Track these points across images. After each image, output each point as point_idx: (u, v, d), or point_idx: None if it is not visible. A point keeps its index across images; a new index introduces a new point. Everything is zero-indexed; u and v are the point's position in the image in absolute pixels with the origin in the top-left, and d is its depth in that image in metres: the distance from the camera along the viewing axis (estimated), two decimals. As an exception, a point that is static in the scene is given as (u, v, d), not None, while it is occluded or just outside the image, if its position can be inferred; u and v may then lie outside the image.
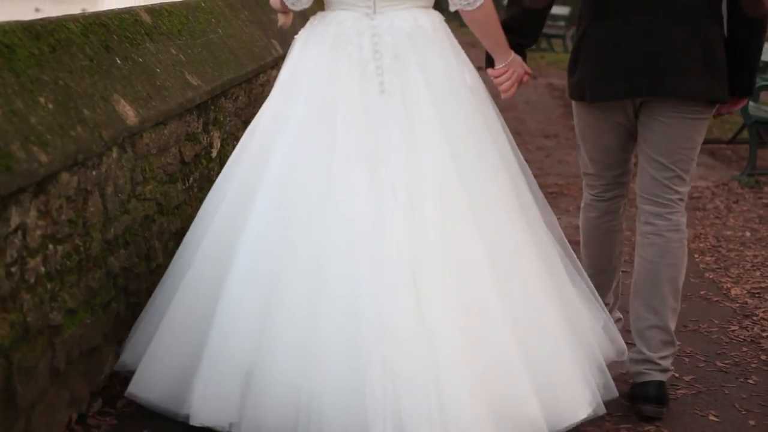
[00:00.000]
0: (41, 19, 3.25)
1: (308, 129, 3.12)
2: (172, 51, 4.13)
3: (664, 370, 3.48)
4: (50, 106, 2.90)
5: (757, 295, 4.82)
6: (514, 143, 3.38)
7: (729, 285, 4.97)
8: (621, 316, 4.03)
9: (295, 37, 3.42)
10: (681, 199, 3.61)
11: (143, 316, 3.33)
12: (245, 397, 2.94)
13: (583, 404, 3.11)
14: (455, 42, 3.31)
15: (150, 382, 3.11)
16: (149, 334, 3.20)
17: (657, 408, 3.41)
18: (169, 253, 3.83)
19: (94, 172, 3.09)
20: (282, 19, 3.61)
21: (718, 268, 5.27)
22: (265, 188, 3.10)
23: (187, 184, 4.04)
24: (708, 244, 5.78)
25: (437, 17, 3.30)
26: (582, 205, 3.87)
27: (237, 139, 4.80)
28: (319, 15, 3.36)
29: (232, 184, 3.25)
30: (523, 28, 3.53)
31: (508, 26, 3.43)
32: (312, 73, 3.20)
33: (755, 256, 5.51)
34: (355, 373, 2.88)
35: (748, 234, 6.00)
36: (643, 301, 3.53)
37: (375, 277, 2.95)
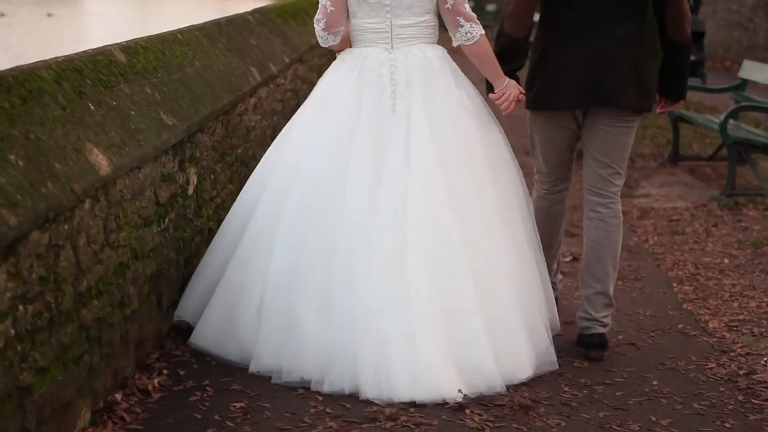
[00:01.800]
0: (13, 69, 3.22)
1: (336, 140, 4.02)
2: (147, 90, 4.11)
3: (605, 326, 4.46)
4: (20, 163, 2.87)
5: (734, 329, 4.82)
6: (511, 150, 4.25)
7: (707, 317, 4.98)
8: (562, 277, 5.10)
9: (331, 66, 4.30)
10: (618, 191, 4.49)
11: (193, 281, 4.25)
12: (287, 348, 3.86)
13: (528, 364, 4.02)
14: (457, 70, 4.18)
15: (209, 334, 4.05)
16: (201, 296, 4.16)
17: (600, 352, 4.40)
18: (145, 297, 3.81)
19: (65, 226, 3.06)
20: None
21: (696, 299, 5.28)
22: (299, 185, 4.00)
23: (162, 226, 4.01)
24: (686, 271, 5.78)
25: (441, 51, 4.18)
26: (534, 197, 4.63)
27: (215, 173, 4.80)
28: (348, 51, 4.23)
29: (270, 182, 4.14)
30: (510, 55, 4.35)
31: (499, 56, 4.28)
32: (343, 96, 4.09)
33: (733, 285, 5.52)
34: (352, 331, 3.78)
35: (726, 261, 6.01)
36: (590, 273, 4.46)
37: (369, 259, 3.85)
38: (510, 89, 4.21)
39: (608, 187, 4.43)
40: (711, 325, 4.87)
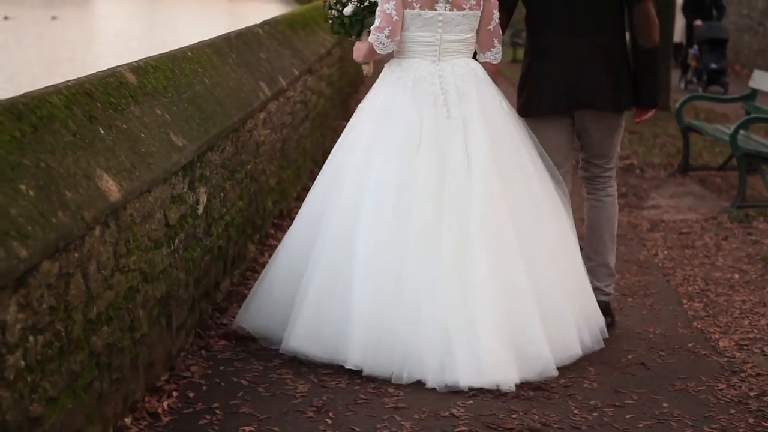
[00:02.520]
0: (24, 96, 3.23)
1: (403, 148, 4.35)
2: (157, 111, 4.11)
3: (608, 294, 4.97)
4: (31, 193, 2.88)
5: (745, 348, 4.81)
6: (539, 147, 4.64)
7: (717, 335, 4.96)
8: None
9: (381, 76, 4.60)
10: (611, 175, 5.06)
11: (261, 287, 4.55)
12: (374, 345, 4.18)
13: (577, 348, 4.44)
14: (491, 80, 4.61)
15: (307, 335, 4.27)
16: (267, 298, 4.46)
17: (606, 318, 4.81)
18: (155, 320, 3.81)
19: (76, 254, 3.06)
20: (366, 69, 4.75)
21: (706, 316, 5.26)
22: (373, 192, 4.31)
23: (172, 247, 4.01)
24: (696, 287, 5.77)
25: (479, 64, 4.62)
26: None
27: (224, 191, 4.81)
28: (395, 62, 4.57)
29: (341, 192, 4.40)
30: None
31: None
32: (403, 107, 4.42)
33: (743, 302, 5.50)
34: (417, 322, 4.14)
35: (737, 276, 5.99)
36: (591, 247, 4.97)
37: (437, 257, 4.22)
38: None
39: (602, 175, 5.05)
40: (721, 343, 4.86)
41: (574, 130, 4.97)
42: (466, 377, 4.08)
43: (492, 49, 4.60)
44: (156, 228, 3.82)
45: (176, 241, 4.06)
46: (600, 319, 4.68)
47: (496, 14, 4.55)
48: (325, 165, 4.63)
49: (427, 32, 4.47)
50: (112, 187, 3.33)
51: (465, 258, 4.24)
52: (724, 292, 5.68)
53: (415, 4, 4.44)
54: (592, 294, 4.69)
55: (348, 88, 12.13)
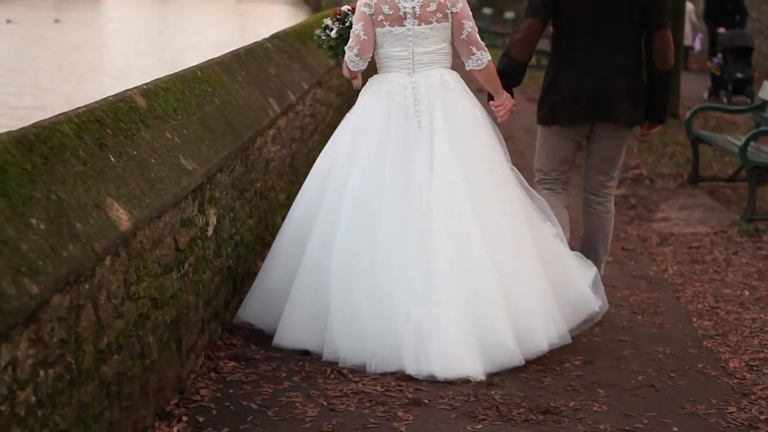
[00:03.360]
0: (35, 126, 3.24)
1: (372, 156, 4.68)
2: (167, 135, 4.12)
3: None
4: (42, 226, 2.89)
5: (755, 369, 4.79)
6: (508, 155, 4.93)
7: (727, 356, 4.95)
8: None
9: (362, 90, 5.02)
10: (612, 191, 5.50)
11: (259, 279, 4.92)
12: (347, 337, 4.52)
13: (545, 340, 4.67)
14: (468, 90, 4.90)
15: (293, 327, 4.66)
16: (265, 295, 4.80)
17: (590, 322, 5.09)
18: (164, 345, 3.82)
19: (86, 286, 3.07)
20: (355, 83, 5.22)
21: (716, 335, 5.25)
22: (348, 199, 4.66)
23: (182, 271, 4.02)
24: (706, 305, 5.75)
25: (455, 75, 4.90)
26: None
27: (234, 210, 4.81)
28: (376, 76, 4.94)
29: (324, 196, 4.77)
30: (512, 74, 5.23)
31: (502, 73, 5.13)
32: (375, 119, 4.77)
33: (753, 320, 5.49)
34: (391, 319, 4.47)
35: (747, 293, 5.98)
36: (585, 256, 5.24)
37: (404, 258, 4.54)
38: (507, 101, 5.11)
39: (604, 189, 5.46)
40: (731, 364, 4.84)
41: (582, 141, 5.44)
42: (439, 370, 4.40)
43: (472, 56, 4.87)
44: (166, 253, 3.83)
45: (186, 264, 4.07)
46: (586, 311, 4.94)
47: (467, 23, 4.82)
48: (311, 170, 5.02)
49: (399, 47, 4.82)
50: (122, 216, 3.33)
51: (430, 258, 4.56)
52: (734, 310, 5.67)
53: (384, 23, 4.79)
54: (574, 288, 4.92)
55: (357, 95, 12.12)
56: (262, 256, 5.67)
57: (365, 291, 4.54)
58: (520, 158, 10.31)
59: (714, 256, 6.80)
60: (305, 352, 4.68)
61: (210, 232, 4.44)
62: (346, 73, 4.99)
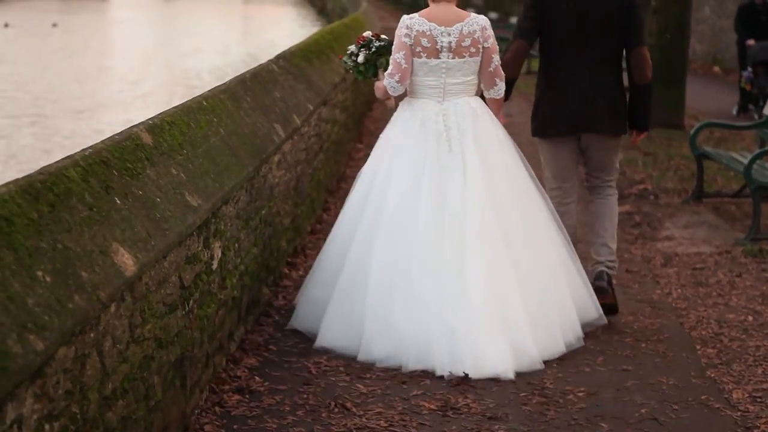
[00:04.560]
0: (41, 173, 3.25)
1: (410, 176, 5.14)
2: (173, 171, 4.13)
3: (609, 267, 5.83)
4: (48, 278, 2.90)
5: (758, 400, 4.80)
6: (532, 172, 5.42)
7: (731, 386, 4.95)
8: None
9: (395, 113, 5.43)
10: (612, 185, 5.99)
11: (305, 290, 5.43)
12: (385, 340, 4.96)
13: (562, 343, 5.19)
14: (491, 114, 5.39)
15: (333, 332, 5.11)
16: (315, 302, 5.24)
17: (602, 283, 5.74)
18: (169, 384, 3.83)
19: (91, 335, 3.09)
20: (389, 103, 5.76)
21: (720, 364, 5.25)
22: (387, 214, 5.11)
23: (187, 308, 4.04)
24: (710, 331, 5.76)
25: (480, 101, 5.40)
26: None
27: (239, 241, 4.83)
28: (407, 100, 5.38)
29: (364, 212, 5.22)
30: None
31: None
32: (410, 141, 5.22)
33: (757, 348, 5.49)
34: (425, 323, 4.91)
35: (750, 318, 5.99)
36: (594, 232, 5.91)
37: (440, 270, 5.00)
38: (501, 120, 5.56)
39: (602, 185, 5.99)
40: (735, 395, 4.85)
41: (579, 150, 5.92)
42: (472, 369, 4.79)
43: (495, 87, 5.39)
44: (171, 292, 3.84)
45: (191, 301, 4.09)
46: (586, 318, 5.45)
47: (495, 57, 5.32)
48: (353, 188, 5.44)
49: (433, 77, 5.26)
50: (127, 261, 3.35)
51: (464, 269, 5.00)
52: (738, 337, 5.67)
53: (422, 54, 5.23)
54: (580, 292, 5.44)
55: (362, 107, 12.15)
56: (267, 282, 5.70)
57: (403, 299, 4.96)
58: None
59: (718, 278, 6.81)
60: (308, 383, 4.70)
61: (215, 265, 4.45)
62: (380, 95, 5.41)
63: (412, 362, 4.85)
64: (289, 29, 36.83)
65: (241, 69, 26.34)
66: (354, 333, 5.01)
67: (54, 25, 33.99)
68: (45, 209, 3.10)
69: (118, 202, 3.55)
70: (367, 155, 5.61)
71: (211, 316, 4.40)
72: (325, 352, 5.09)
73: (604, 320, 5.56)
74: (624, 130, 5.92)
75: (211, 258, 4.40)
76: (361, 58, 5.49)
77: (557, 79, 5.80)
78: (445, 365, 4.81)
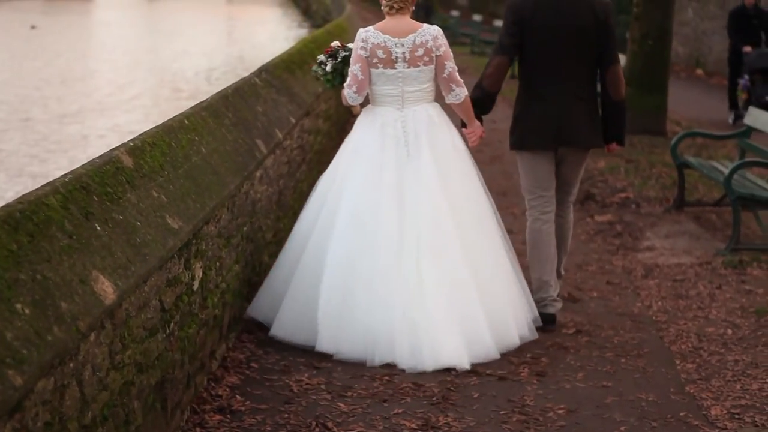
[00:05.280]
0: (21, 201, 3.26)
1: (368, 178, 5.42)
2: (153, 193, 4.14)
3: (555, 306, 6.02)
4: (27, 311, 2.91)
5: (736, 417, 4.84)
6: (482, 178, 5.74)
7: (709, 402, 4.99)
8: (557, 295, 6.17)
9: (358, 119, 5.71)
10: (572, 201, 6.31)
11: (266, 282, 5.68)
12: (344, 333, 5.26)
13: (515, 337, 5.52)
14: (448, 121, 5.67)
15: (288, 321, 5.43)
16: (273, 293, 5.54)
17: (552, 326, 5.97)
18: (150, 407, 3.84)
19: (71, 365, 3.10)
20: (354, 110, 5.86)
21: (699, 379, 5.29)
22: (344, 210, 5.40)
23: (168, 331, 4.05)
24: (689, 345, 5.80)
25: (438, 107, 5.66)
26: (529, 223, 6.10)
27: (220, 259, 4.84)
28: (369, 108, 5.64)
29: (322, 209, 5.52)
30: (483, 104, 5.98)
31: (475, 103, 5.86)
32: (370, 145, 5.50)
33: (736, 362, 5.54)
34: (391, 319, 5.20)
35: (730, 332, 6.03)
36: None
37: (399, 265, 5.30)
38: (478, 129, 5.87)
39: (566, 200, 6.25)
40: (713, 411, 4.88)
41: (555, 162, 6.12)
42: (430, 362, 5.12)
43: (452, 92, 5.61)
44: (151, 316, 3.85)
45: (171, 324, 4.10)
46: (529, 314, 5.73)
47: (449, 64, 5.56)
48: (313, 189, 5.73)
49: (391, 86, 5.55)
50: (107, 289, 3.36)
51: (422, 265, 5.31)
52: (717, 351, 5.72)
53: (378, 65, 5.51)
54: (523, 294, 5.73)
55: (345, 114, 12.15)
56: (249, 298, 5.71)
57: (364, 295, 5.23)
58: (508, 180, 10.38)
59: (698, 290, 6.85)
60: (289, 402, 4.72)
61: (196, 286, 4.47)
62: (345, 102, 5.66)
63: (377, 357, 5.16)
64: (275, 31, 36.81)
65: (227, 71, 26.16)
66: (308, 326, 5.29)
67: (33, 27, 33.71)
68: (24, 239, 3.11)
69: (99, 228, 3.56)
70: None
71: (192, 337, 4.41)
72: (308, 369, 5.12)
73: (536, 335, 5.75)
74: (600, 143, 6.13)
75: (192, 279, 4.41)
76: (328, 67, 5.81)
77: (536, 94, 5.99)
78: (405, 358, 5.13)
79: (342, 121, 11.58)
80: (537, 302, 5.89)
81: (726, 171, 8.11)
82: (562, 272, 6.35)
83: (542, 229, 6.02)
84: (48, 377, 2.93)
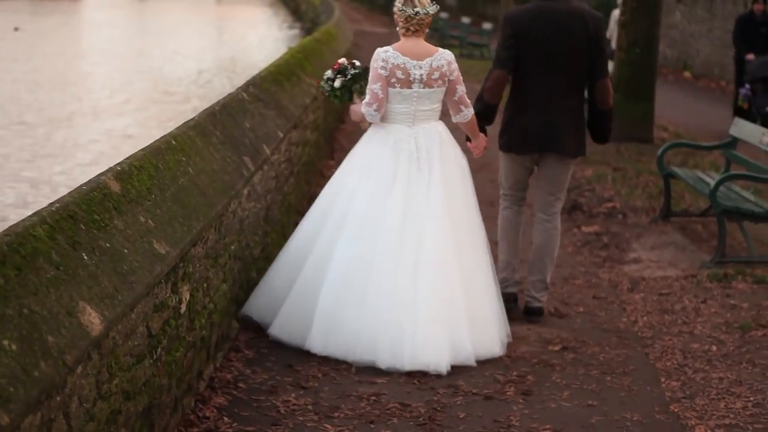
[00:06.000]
0: (8, 233, 3.27)
1: (380, 188, 5.74)
2: (141, 219, 4.16)
3: (540, 302, 6.51)
4: (14, 347, 2.92)
5: (720, 437, 4.88)
6: (474, 193, 6.05)
7: (694, 421, 5.03)
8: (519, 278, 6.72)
9: (366, 134, 6.00)
10: (559, 210, 6.59)
11: (263, 283, 5.95)
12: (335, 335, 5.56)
13: (496, 348, 5.79)
14: (453, 139, 5.99)
15: (288, 323, 5.70)
16: (271, 294, 5.82)
17: (537, 317, 6.46)
18: (136, 434, 3.86)
19: (58, 399, 3.11)
20: (363, 125, 6.07)
21: (683, 398, 5.33)
22: (352, 220, 5.70)
23: (155, 356, 4.06)
24: (674, 362, 5.84)
25: (443, 126, 5.99)
26: (500, 210, 6.67)
27: (207, 280, 4.85)
28: (380, 124, 5.90)
29: (328, 217, 5.80)
30: (485, 116, 6.37)
31: (477, 115, 6.13)
32: (384, 159, 5.79)
33: (720, 380, 5.57)
34: (375, 322, 5.50)
35: (714, 348, 6.07)
36: (535, 266, 6.53)
37: (395, 272, 5.59)
38: (482, 141, 6.25)
39: (551, 208, 6.55)
40: (697, 431, 4.93)
41: (533, 168, 6.55)
42: (408, 361, 5.41)
43: (461, 113, 6.00)
44: (138, 343, 3.87)
45: (159, 349, 4.11)
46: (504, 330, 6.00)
47: (460, 87, 5.92)
48: (319, 196, 6.02)
49: (405, 105, 5.85)
50: (94, 321, 3.37)
51: (417, 275, 5.59)
52: (702, 368, 5.76)
53: (396, 85, 5.81)
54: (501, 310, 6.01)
55: (334, 123, 12.18)
56: (236, 315, 5.73)
57: (357, 305, 5.51)
58: (496, 190, 10.36)
59: (683, 304, 6.90)
60: (276, 423, 4.74)
61: (183, 309, 4.48)
62: (356, 118, 6.03)
63: (359, 357, 5.46)
64: (266, 32, 36.77)
65: (218, 74, 26.02)
66: (305, 327, 5.58)
67: (16, 29, 33.47)
68: (11, 273, 3.12)
69: (86, 257, 3.57)
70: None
71: (180, 360, 4.42)
72: (295, 389, 5.14)
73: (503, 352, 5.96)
74: (583, 151, 6.51)
75: (180, 302, 4.43)
76: (337, 84, 6.06)
77: (526, 102, 6.37)
78: (386, 359, 5.42)
79: (330, 129, 11.60)
80: (501, 282, 6.31)
81: (712, 183, 8.16)
82: (548, 285, 6.57)
83: (511, 217, 6.60)
84: (35, 413, 2.94)
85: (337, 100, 6.18)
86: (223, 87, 22.71)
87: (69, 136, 16.64)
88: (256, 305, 5.84)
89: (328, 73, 6.14)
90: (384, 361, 5.40)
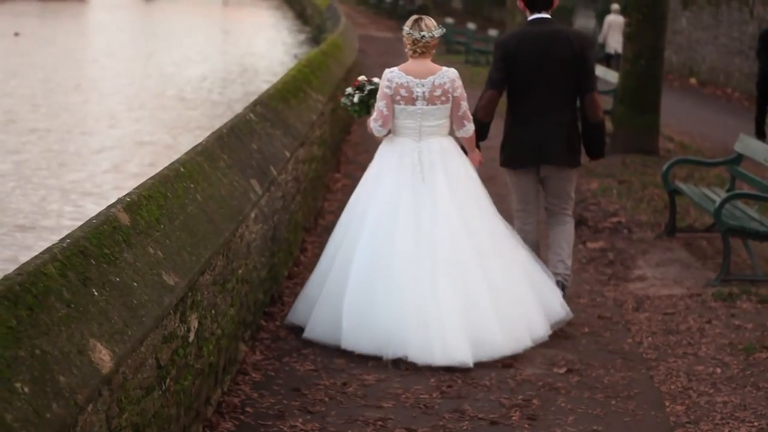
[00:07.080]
0: (20, 273, 3.31)
1: (389, 197, 6.22)
2: (150, 250, 4.20)
3: (566, 279, 6.94)
4: (26, 389, 2.96)
5: (724, 463, 4.91)
6: (490, 199, 6.54)
7: (697, 448, 5.06)
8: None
9: (380, 147, 6.52)
10: (570, 211, 7.09)
11: (303, 290, 6.55)
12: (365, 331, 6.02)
13: (528, 339, 6.23)
14: (460, 151, 6.50)
15: (320, 325, 6.18)
16: (307, 300, 6.34)
17: (562, 291, 6.79)
18: (145, 466, 3.89)
19: (69, 438, 3.15)
20: (378, 138, 6.49)
21: (687, 423, 5.36)
22: (368, 226, 6.21)
23: (164, 387, 4.10)
24: (679, 385, 5.86)
25: (451, 140, 6.47)
26: (515, 227, 6.92)
27: (215, 306, 4.89)
28: (390, 137, 6.44)
29: (351, 224, 6.34)
30: (479, 133, 6.76)
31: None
32: (390, 170, 6.32)
33: (725, 404, 5.60)
34: (403, 319, 5.95)
35: (719, 370, 6.10)
36: (553, 250, 6.98)
37: (414, 274, 6.07)
38: (477, 156, 6.72)
39: (563, 213, 7.06)
40: (701, 458, 4.96)
41: (539, 179, 6.98)
42: (440, 358, 5.83)
43: (463, 128, 6.48)
44: (147, 375, 3.91)
45: (168, 380, 4.15)
46: (553, 315, 6.49)
47: (464, 104, 6.38)
48: (345, 208, 6.56)
49: (410, 120, 6.34)
50: (104, 358, 3.41)
51: (436, 274, 6.03)
52: (706, 391, 5.78)
53: (401, 102, 6.32)
54: (545, 293, 6.49)
55: (340, 134, 12.22)
56: (244, 337, 5.77)
57: (383, 300, 5.96)
58: (501, 201, 10.41)
59: (688, 324, 6.92)
60: (285, 449, 4.80)
61: (191, 338, 4.52)
62: (371, 131, 6.47)
63: (391, 353, 5.86)
64: (274, 36, 36.82)
65: (228, 79, 26.07)
66: (337, 327, 6.01)
67: (16, 34, 33.48)
68: (24, 314, 3.17)
69: (96, 293, 3.61)
70: (345, 186, 6.45)
71: (188, 389, 4.46)
72: (302, 413, 5.19)
73: (570, 314, 6.65)
74: (577, 162, 7.00)
75: (188, 331, 4.47)
76: (356, 99, 6.66)
77: (521, 119, 6.91)
78: (417, 355, 5.85)
79: (336, 141, 11.64)
80: None
81: (717, 200, 8.19)
82: (569, 267, 7.03)
83: (526, 230, 6.99)
84: (47, 455, 2.98)
85: (357, 114, 6.78)
86: (233, 93, 22.81)
87: (86, 143, 16.75)
88: (297, 312, 6.38)
89: (349, 89, 6.75)
90: (415, 356, 5.85)
